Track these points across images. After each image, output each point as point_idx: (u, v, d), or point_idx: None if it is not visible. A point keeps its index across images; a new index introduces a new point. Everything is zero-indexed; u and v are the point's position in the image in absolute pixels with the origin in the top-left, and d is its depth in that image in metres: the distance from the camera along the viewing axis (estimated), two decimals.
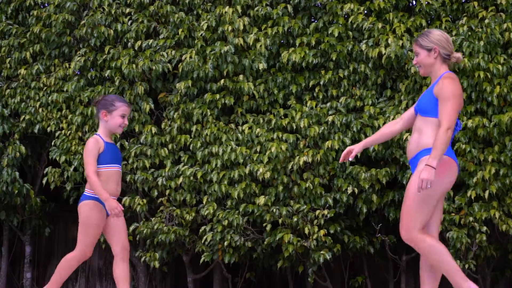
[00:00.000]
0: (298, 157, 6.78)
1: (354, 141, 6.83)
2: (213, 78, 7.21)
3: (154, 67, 7.22)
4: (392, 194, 6.80)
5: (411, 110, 5.05)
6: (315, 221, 6.77)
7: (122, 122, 5.44)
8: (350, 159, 5.12)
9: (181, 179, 7.10)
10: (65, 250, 8.65)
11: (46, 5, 7.95)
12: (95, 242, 5.42)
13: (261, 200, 6.82)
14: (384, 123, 6.73)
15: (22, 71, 7.79)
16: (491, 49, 6.61)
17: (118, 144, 7.39)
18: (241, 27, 7.07)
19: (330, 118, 6.83)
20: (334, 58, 6.90)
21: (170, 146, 7.23)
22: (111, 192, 5.33)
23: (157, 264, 7.31)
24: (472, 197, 6.51)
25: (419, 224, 4.70)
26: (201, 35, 7.20)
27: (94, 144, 5.34)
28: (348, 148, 5.12)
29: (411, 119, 5.03)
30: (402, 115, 5.11)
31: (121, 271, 5.38)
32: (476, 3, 6.71)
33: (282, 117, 7.01)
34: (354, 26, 6.91)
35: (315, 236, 6.71)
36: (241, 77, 7.09)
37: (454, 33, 6.67)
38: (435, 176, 4.60)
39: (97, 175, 5.30)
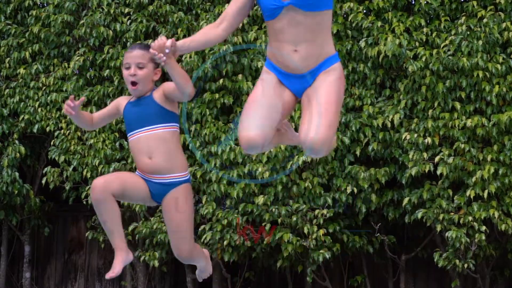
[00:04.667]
0: (297, 156, 6.78)
1: (353, 140, 6.83)
2: (212, 78, 7.21)
3: None
4: (391, 193, 6.80)
5: (237, 6, 3.88)
6: (314, 221, 6.77)
7: (126, 74, 4.08)
8: None
9: None
10: (64, 250, 8.65)
11: (45, 5, 7.95)
12: None
13: (260, 199, 6.82)
14: (383, 123, 6.73)
15: (21, 70, 7.79)
16: (490, 49, 6.60)
17: (117, 144, 7.39)
18: (239, 25, 7.07)
19: None
20: None
21: None
22: None
23: (156, 264, 7.31)
24: (471, 197, 6.50)
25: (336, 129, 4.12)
26: None
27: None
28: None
29: (237, 18, 3.97)
30: (224, 16, 3.91)
31: None
32: (475, 3, 6.71)
33: None
34: (354, 25, 6.90)
35: (314, 236, 6.71)
36: (240, 76, 7.08)
37: (453, 32, 6.67)
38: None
39: None
